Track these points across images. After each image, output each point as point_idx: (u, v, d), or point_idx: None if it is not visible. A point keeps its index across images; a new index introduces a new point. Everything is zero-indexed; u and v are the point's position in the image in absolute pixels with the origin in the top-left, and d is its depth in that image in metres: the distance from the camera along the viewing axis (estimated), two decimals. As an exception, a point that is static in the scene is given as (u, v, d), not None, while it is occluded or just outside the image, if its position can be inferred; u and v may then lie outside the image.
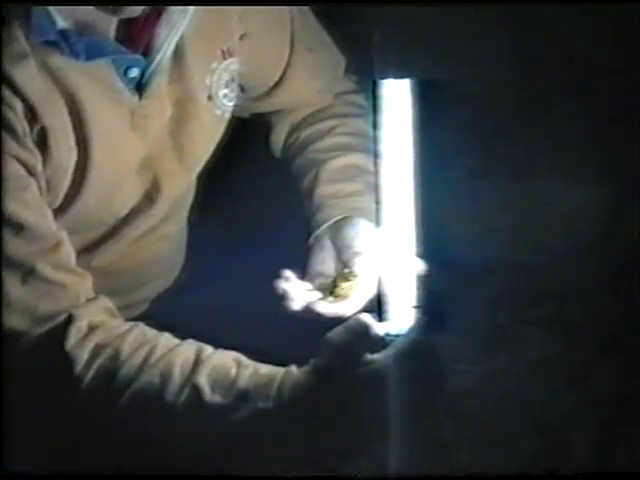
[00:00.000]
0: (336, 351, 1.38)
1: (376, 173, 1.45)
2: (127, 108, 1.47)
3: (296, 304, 1.52)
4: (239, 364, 1.41)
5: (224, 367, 1.40)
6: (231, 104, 1.61)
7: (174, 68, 1.50)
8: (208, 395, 1.38)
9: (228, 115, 1.61)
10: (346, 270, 1.62)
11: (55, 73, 1.42)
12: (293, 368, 1.40)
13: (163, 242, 1.72)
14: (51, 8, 1.36)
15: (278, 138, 1.78)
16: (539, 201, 2.02)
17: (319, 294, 1.57)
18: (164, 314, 1.70)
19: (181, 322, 1.54)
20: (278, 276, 1.55)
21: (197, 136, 1.59)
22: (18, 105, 1.38)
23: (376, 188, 1.46)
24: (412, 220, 1.47)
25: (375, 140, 1.45)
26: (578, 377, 1.76)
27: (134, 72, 1.46)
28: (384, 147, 1.42)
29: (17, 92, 1.38)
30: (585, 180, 2.03)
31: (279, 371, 1.40)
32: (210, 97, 1.58)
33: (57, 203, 1.46)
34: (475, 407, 1.71)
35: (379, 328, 1.43)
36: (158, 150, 1.55)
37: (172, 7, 1.44)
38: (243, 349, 1.47)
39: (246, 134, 1.80)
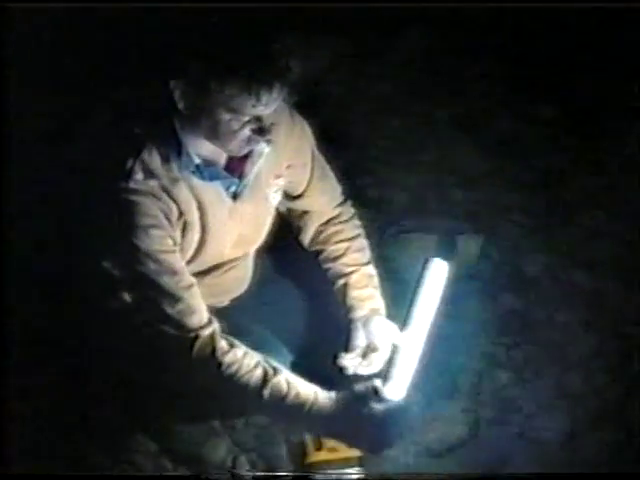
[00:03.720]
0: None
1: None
2: (227, 208, 1.98)
3: (350, 370, 2.05)
4: (289, 385, 1.90)
5: (280, 387, 1.89)
6: (276, 203, 2.16)
7: (254, 184, 1.99)
8: (269, 399, 1.92)
9: (274, 208, 2.17)
10: (372, 346, 2.10)
11: (192, 188, 1.90)
12: (322, 395, 1.90)
13: (241, 270, 2.22)
14: (191, 152, 1.85)
15: (306, 236, 2.21)
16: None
17: (359, 359, 2.08)
18: (237, 308, 2.21)
19: (245, 313, 2.14)
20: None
21: (262, 219, 2.14)
22: (174, 208, 1.92)
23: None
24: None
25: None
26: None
27: (233, 188, 1.96)
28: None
29: (173, 200, 1.87)
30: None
31: (310, 396, 1.90)
32: (266, 199, 2.14)
33: (187, 259, 2.02)
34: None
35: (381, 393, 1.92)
36: (243, 229, 2.11)
37: (256, 153, 1.92)
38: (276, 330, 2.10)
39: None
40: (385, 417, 1.91)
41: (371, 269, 2.20)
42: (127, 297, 1.93)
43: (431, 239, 2.74)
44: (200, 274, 2.05)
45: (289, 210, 2.20)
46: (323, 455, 2.13)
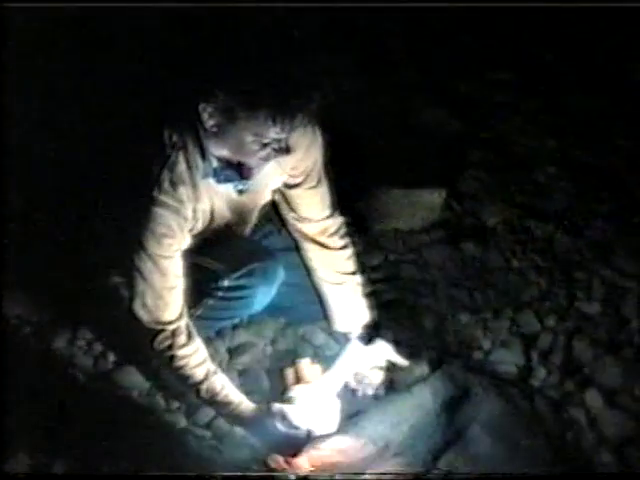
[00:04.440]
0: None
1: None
2: (230, 199, 2.11)
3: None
4: (223, 387, 2.11)
5: (214, 386, 2.10)
6: (273, 190, 2.26)
7: (258, 181, 2.11)
8: (204, 394, 2.13)
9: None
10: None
11: (208, 188, 2.03)
12: (245, 404, 2.12)
13: (243, 224, 2.28)
14: (210, 156, 1.97)
15: (289, 228, 2.32)
16: (417, 202, 2.88)
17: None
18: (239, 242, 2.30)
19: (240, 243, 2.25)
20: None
21: (261, 201, 2.22)
22: (190, 215, 2.01)
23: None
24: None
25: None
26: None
27: (239, 187, 2.09)
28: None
29: (192, 207, 2.00)
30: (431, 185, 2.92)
31: (236, 400, 2.10)
32: (267, 189, 2.20)
33: (193, 234, 2.11)
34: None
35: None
36: (244, 212, 2.22)
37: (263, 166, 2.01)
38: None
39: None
40: (290, 437, 2.10)
41: (358, 278, 2.32)
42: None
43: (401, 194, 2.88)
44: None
45: (280, 192, 2.25)
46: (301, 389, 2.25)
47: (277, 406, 2.12)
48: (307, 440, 2.11)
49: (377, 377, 2.29)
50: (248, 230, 2.29)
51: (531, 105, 3.47)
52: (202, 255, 2.15)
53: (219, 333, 2.46)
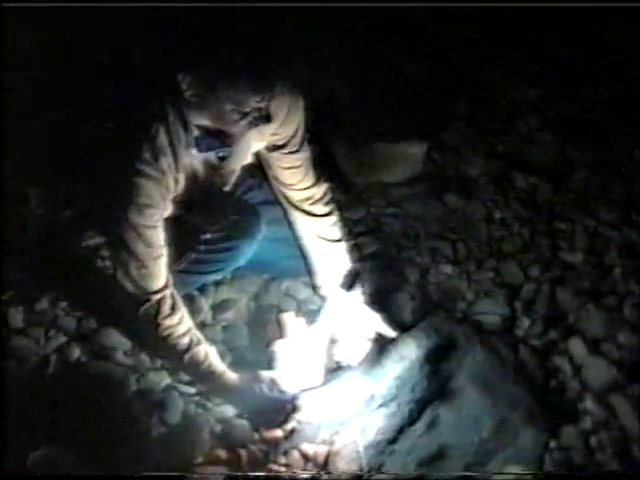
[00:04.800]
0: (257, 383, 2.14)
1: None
2: (212, 166, 2.11)
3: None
4: (207, 357, 2.11)
5: (198, 356, 2.10)
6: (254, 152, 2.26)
7: (238, 149, 2.11)
8: (187, 362, 2.12)
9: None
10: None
11: (189, 156, 2.02)
12: (228, 374, 2.13)
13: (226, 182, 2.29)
14: (192, 127, 1.95)
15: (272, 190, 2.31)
16: (399, 155, 2.86)
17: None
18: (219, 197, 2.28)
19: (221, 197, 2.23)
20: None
21: (242, 163, 2.20)
22: (172, 184, 2.00)
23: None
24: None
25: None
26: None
27: (220, 154, 2.09)
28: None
29: (173, 177, 1.99)
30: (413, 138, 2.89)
31: (220, 369, 2.11)
32: (249, 154, 2.18)
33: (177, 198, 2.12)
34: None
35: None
36: (225, 173, 2.18)
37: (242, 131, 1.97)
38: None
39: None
40: (276, 402, 2.10)
41: (343, 245, 2.30)
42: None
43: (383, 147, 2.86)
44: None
45: (262, 155, 2.25)
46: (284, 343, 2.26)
47: (265, 373, 2.14)
48: (293, 408, 2.11)
49: (364, 348, 2.27)
50: (229, 186, 2.27)
51: (513, 56, 3.44)
52: (183, 210, 2.13)
53: (202, 290, 2.46)
